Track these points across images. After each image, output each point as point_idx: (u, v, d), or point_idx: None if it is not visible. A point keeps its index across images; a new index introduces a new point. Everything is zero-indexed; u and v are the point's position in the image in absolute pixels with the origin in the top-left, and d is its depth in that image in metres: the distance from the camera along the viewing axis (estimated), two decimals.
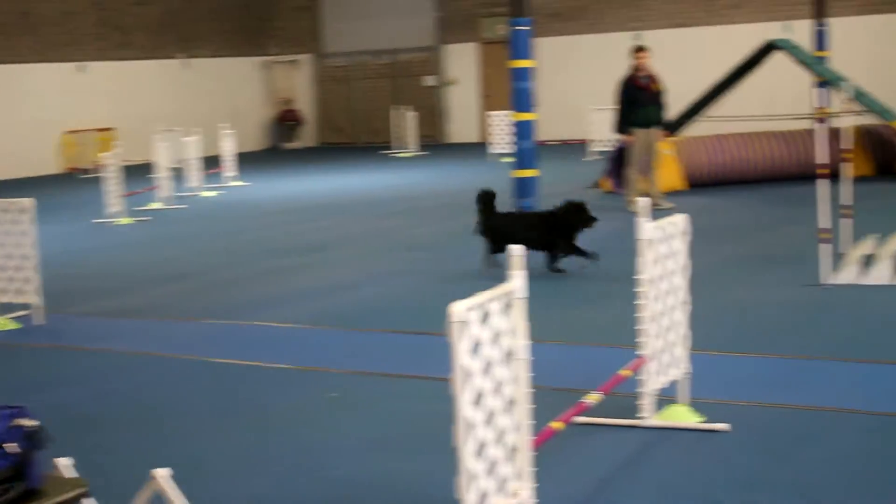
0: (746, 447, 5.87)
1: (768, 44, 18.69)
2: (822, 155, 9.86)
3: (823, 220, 9.87)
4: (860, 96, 17.78)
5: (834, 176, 11.10)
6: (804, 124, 19.64)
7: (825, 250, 9.85)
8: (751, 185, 17.46)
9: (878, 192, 15.76)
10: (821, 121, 10.49)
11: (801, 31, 24.36)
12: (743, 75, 19.25)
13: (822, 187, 9.86)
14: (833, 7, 24.66)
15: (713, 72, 20.95)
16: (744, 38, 23.48)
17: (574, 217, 10.81)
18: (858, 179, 16.48)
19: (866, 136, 18.04)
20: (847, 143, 11.07)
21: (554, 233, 10.88)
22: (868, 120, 18.26)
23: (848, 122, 11.34)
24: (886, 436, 5.97)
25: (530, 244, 10.44)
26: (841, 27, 25.74)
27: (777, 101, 25.12)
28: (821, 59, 20.39)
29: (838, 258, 10.41)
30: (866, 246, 10.76)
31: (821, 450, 5.81)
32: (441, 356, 4.12)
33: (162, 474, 4.03)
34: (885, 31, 27.28)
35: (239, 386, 7.66)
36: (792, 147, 17.74)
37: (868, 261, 10.16)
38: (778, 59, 19.49)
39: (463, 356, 4.11)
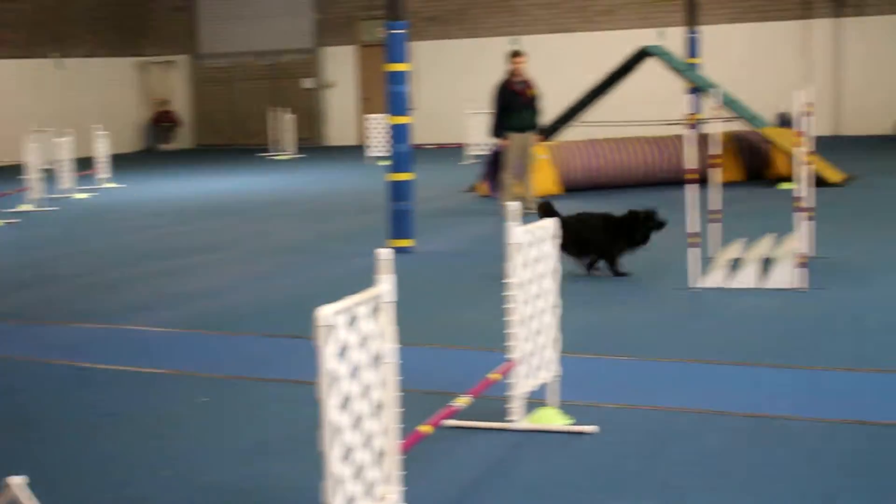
0: (614, 448, 5.96)
1: (641, 50, 18.99)
2: (691, 160, 10.05)
3: (692, 224, 10.06)
4: (730, 103, 18.15)
5: (704, 181, 11.34)
6: (677, 130, 19.98)
7: (694, 254, 10.04)
8: (625, 190, 17.70)
9: (747, 197, 16.10)
10: (691, 126, 10.69)
11: (674, 38, 24.79)
12: (617, 81, 19.53)
13: (691, 192, 10.05)
14: (705, 15, 25.14)
15: (588, 77, 21.24)
16: (618, 44, 23.81)
17: (642, 224, 10.80)
18: (729, 184, 16.86)
19: (737, 142, 18.43)
20: (716, 148, 11.29)
21: (618, 238, 10.86)
22: (739, 126, 18.66)
23: (717, 128, 11.56)
24: (750, 436, 6.10)
25: (593, 247, 10.86)
26: (712, 34, 26.26)
27: (650, 107, 25.52)
28: (692, 65, 20.77)
29: (707, 262, 10.60)
30: (734, 250, 10.99)
31: (686, 450, 5.91)
32: (313, 360, 4.12)
33: (17, 482, 3.95)
34: (756, 38, 27.89)
35: (109, 391, 7.55)
36: (664, 152, 18.03)
37: (735, 264, 10.37)
38: (651, 66, 19.81)
39: (329, 360, 4.11)
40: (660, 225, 10.85)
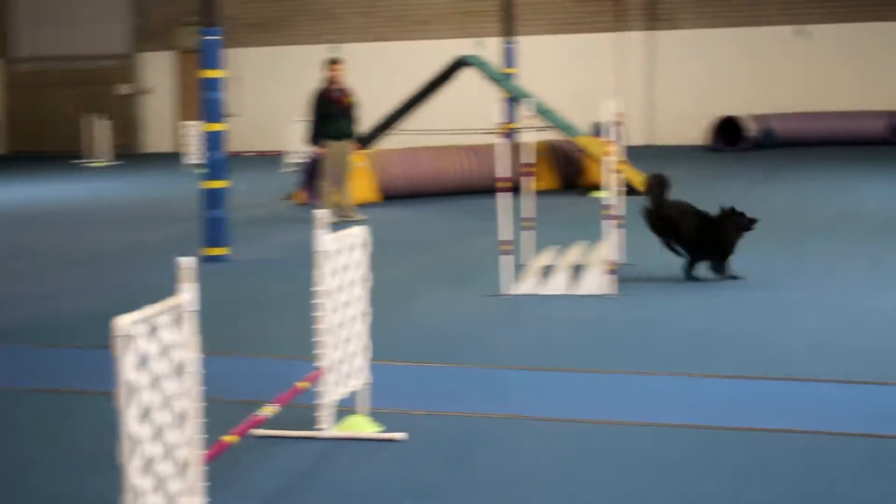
0: (423, 455, 5.99)
1: (458, 60, 19.19)
2: (503, 169, 10.20)
3: (505, 232, 10.20)
4: (545, 112, 18.47)
5: (518, 189, 11.51)
6: (495, 139, 20.24)
7: (506, 261, 10.18)
8: (443, 198, 17.85)
9: (561, 205, 16.40)
10: (507, 136, 10.84)
11: (492, 49, 25.10)
12: (434, 90, 19.68)
13: (504, 200, 10.19)
14: (522, 26, 25.53)
15: (406, 86, 21.36)
16: (436, 53, 24.02)
17: (731, 223, 10.43)
18: (543, 193, 17.16)
19: (551, 152, 18.75)
20: (529, 157, 11.47)
21: (710, 237, 10.48)
22: (554, 135, 18.99)
23: (531, 137, 11.76)
24: (556, 440, 6.21)
25: (688, 242, 10.50)
26: (529, 45, 26.68)
27: (469, 116, 25.80)
28: (509, 75, 21.06)
29: (520, 269, 10.76)
30: (546, 257, 11.17)
31: (494, 455, 5.99)
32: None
33: None
34: (572, 49, 28.45)
35: None
36: (483, 161, 18.23)
37: (547, 271, 10.55)
38: (469, 75, 20.03)
39: (128, 370, 4.04)
40: (750, 222, 10.51)
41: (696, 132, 27.42)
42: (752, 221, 10.48)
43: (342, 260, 6.22)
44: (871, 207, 15.35)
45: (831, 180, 19.30)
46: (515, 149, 16.95)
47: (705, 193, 17.53)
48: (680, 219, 10.50)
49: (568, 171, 18.75)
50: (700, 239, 10.44)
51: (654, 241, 12.73)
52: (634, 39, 28.56)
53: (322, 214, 6.02)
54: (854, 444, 5.95)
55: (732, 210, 10.47)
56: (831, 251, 12.05)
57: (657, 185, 10.68)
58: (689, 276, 10.55)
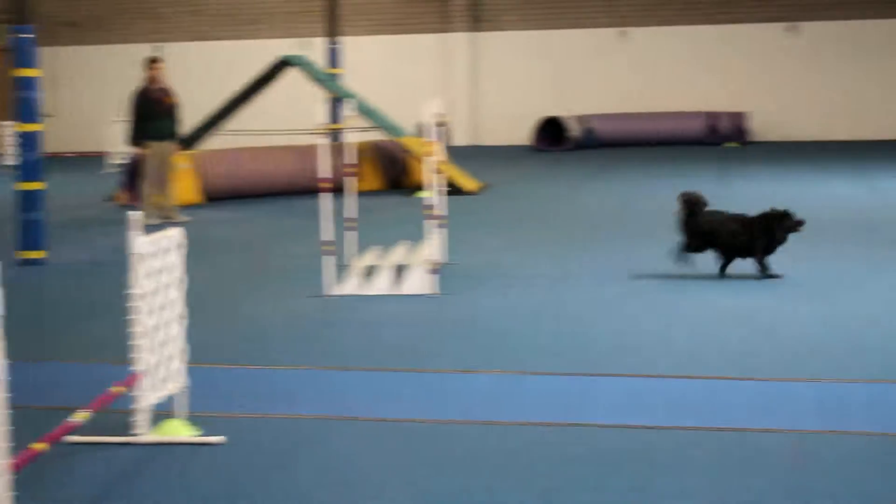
0: (242, 459, 5.93)
1: (282, 60, 19.08)
2: (324, 169, 10.18)
3: (327, 232, 10.18)
4: (369, 113, 18.49)
5: (342, 190, 11.50)
6: (317, 139, 20.18)
7: (329, 262, 10.16)
8: (269, 199, 17.72)
9: (385, 206, 16.43)
10: (332, 136, 10.82)
11: (318, 49, 25.00)
12: (258, 90, 19.53)
13: (326, 201, 10.17)
14: (347, 26, 25.50)
15: (233, 86, 21.14)
16: (263, 53, 23.83)
17: (776, 224, 10.42)
18: (368, 193, 17.18)
19: (376, 152, 18.78)
20: (352, 157, 11.47)
21: (755, 239, 10.44)
22: (378, 136, 19.03)
23: (355, 137, 11.76)
24: (376, 440, 6.21)
25: (731, 248, 10.49)
26: (355, 46, 26.68)
27: (294, 116, 25.64)
28: (333, 76, 21.02)
29: (344, 269, 10.74)
30: (369, 257, 11.18)
31: (313, 457, 5.97)
32: None
33: None
34: (397, 50, 28.55)
35: None
36: (307, 161, 18.11)
37: (370, 272, 10.56)
38: (296, 75, 19.93)
39: None
40: (797, 224, 10.50)
41: (519, 133, 27.77)
42: (799, 223, 10.52)
43: (157, 262, 6.13)
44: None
45: (649, 179, 19.76)
46: (339, 149, 16.94)
47: (533, 193, 17.79)
48: (719, 228, 10.54)
49: (393, 172, 18.81)
50: (741, 241, 10.50)
51: (477, 240, 12.88)
52: (459, 40, 28.79)
53: (137, 216, 5.92)
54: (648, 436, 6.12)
55: (784, 212, 10.51)
56: (649, 249, 12.33)
57: (692, 203, 10.69)
58: (770, 276, 10.45)
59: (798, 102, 27.50)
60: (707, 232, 10.54)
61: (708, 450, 5.92)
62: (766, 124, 27.44)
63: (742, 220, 10.55)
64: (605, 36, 28.40)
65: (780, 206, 10.62)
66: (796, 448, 5.89)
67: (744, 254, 10.55)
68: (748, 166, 21.62)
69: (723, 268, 10.62)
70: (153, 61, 15.52)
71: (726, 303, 9.50)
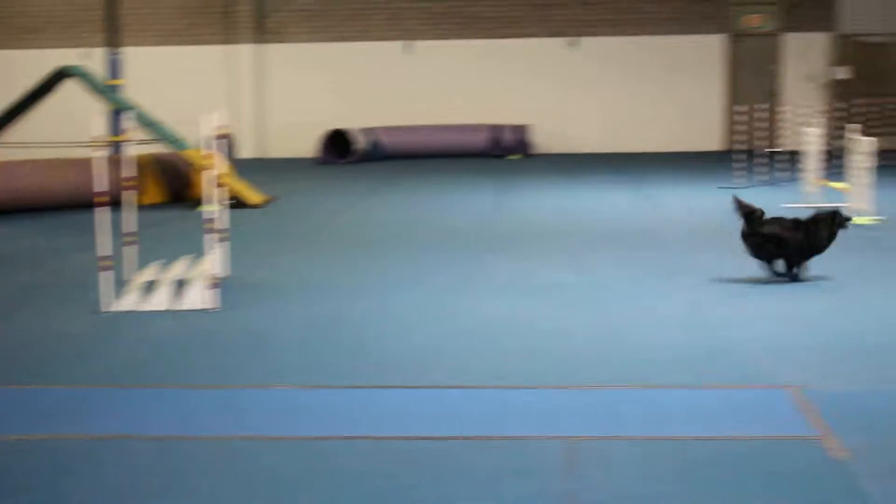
0: (16, 482, 5.75)
1: (60, 70, 18.61)
2: (101, 183, 9.97)
3: (104, 247, 9.97)
4: (151, 125, 18.19)
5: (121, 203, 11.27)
6: (97, 152, 19.73)
7: (106, 277, 9.94)
8: (48, 213, 17.23)
9: (167, 219, 16.18)
10: (112, 148, 10.60)
11: (101, 59, 24.46)
12: (35, 101, 19.00)
13: (103, 215, 9.96)
14: (130, 36, 25.05)
15: (10, 97, 20.51)
16: (42, 63, 23.18)
17: (830, 224, 10.70)
18: (151, 207, 16.89)
19: (158, 165, 18.47)
20: (131, 170, 11.26)
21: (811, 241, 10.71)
22: (161, 148, 18.72)
23: (135, 150, 11.54)
24: (160, 458, 6.11)
25: (794, 250, 10.65)
26: (138, 57, 26.22)
27: (74, 128, 25.01)
28: (113, 87, 20.59)
29: (123, 285, 10.53)
30: (149, 272, 10.99)
31: (95, 477, 5.83)
32: None
33: None
34: (182, 61, 28.16)
35: None
36: (88, 175, 17.71)
37: (150, 287, 10.38)
38: (73, 87, 19.46)
39: None
40: (846, 220, 10.80)
41: (306, 145, 27.72)
42: (847, 219, 10.91)
43: None
44: (466, 218, 15.99)
45: (432, 191, 19.97)
46: (119, 162, 16.60)
47: (318, 206, 17.77)
48: (784, 234, 10.66)
49: (176, 185, 18.53)
50: (804, 244, 10.72)
51: (261, 254, 12.81)
52: (244, 52, 28.58)
53: None
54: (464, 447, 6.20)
55: (835, 212, 10.85)
56: (430, 260, 12.46)
57: (750, 213, 10.80)
58: (794, 278, 10.74)
59: (578, 116, 28.22)
60: (771, 237, 10.69)
61: (484, 459, 6.02)
62: (547, 137, 28.07)
63: (803, 223, 10.75)
64: (390, 49, 28.60)
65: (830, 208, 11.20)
66: (569, 452, 6.04)
67: (808, 256, 10.81)
68: (529, 178, 22.06)
69: (790, 273, 10.82)
70: None
71: (504, 311, 9.67)
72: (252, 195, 17.76)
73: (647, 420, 6.70)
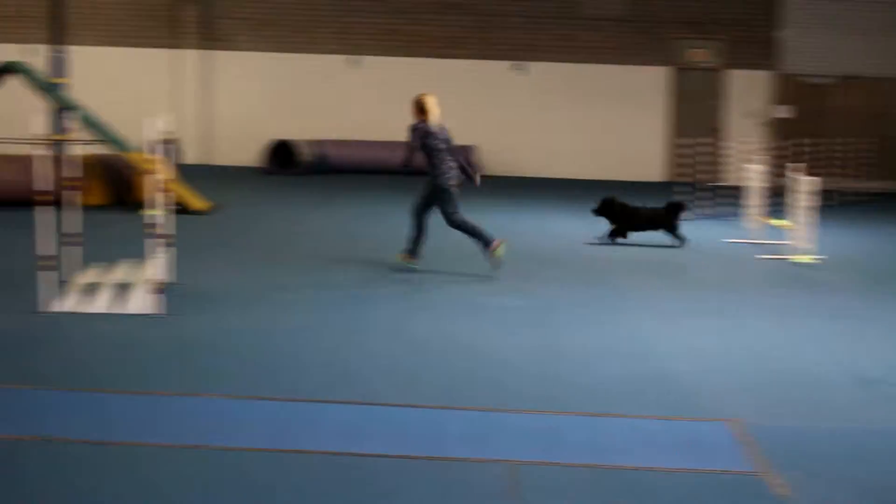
0: None
1: (3, 66, 18.39)
2: (43, 182, 9.85)
3: (44, 247, 9.84)
4: (95, 125, 18.00)
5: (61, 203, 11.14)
6: (38, 150, 19.48)
7: (46, 277, 9.81)
8: None
9: (109, 222, 16.01)
10: (59, 148, 10.47)
11: (43, 57, 24.20)
12: None
13: (44, 214, 9.84)
14: (74, 35, 24.80)
15: None
16: None
17: (676, 210, 15.38)
18: (93, 208, 16.70)
19: (101, 166, 18.28)
20: (75, 170, 11.14)
21: (664, 220, 15.38)
22: (105, 150, 18.53)
23: (79, 150, 11.41)
24: (88, 462, 6.04)
25: (647, 227, 15.36)
26: (83, 56, 25.98)
27: (12, 125, 24.70)
28: (57, 85, 20.34)
29: (64, 286, 10.40)
30: (91, 274, 10.87)
31: (15, 478, 5.76)
32: None
33: None
34: (127, 63, 27.95)
35: None
36: (26, 172, 17.47)
37: (91, 289, 10.26)
38: (15, 83, 19.23)
39: None
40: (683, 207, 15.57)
41: (251, 154, 27.57)
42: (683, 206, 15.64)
43: None
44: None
45: (375, 205, 19.95)
46: (60, 161, 16.39)
47: (262, 215, 17.67)
48: (636, 212, 15.54)
49: (119, 187, 18.34)
50: (652, 222, 15.48)
51: (205, 261, 12.73)
52: (191, 57, 28.38)
53: None
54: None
55: (679, 202, 15.64)
56: (369, 276, 12.42)
57: (610, 203, 15.60)
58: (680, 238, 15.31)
59: (522, 139, 28.30)
60: (630, 213, 15.48)
61: (426, 478, 6.00)
62: (492, 158, 28.14)
63: (653, 210, 15.63)
64: (337, 62, 28.55)
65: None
66: (512, 477, 6.04)
67: (649, 228, 15.39)
68: (471, 199, 22.06)
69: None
70: None
71: (452, 329, 9.66)
72: (196, 201, 17.63)
73: (590, 447, 6.72)
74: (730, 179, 20.95)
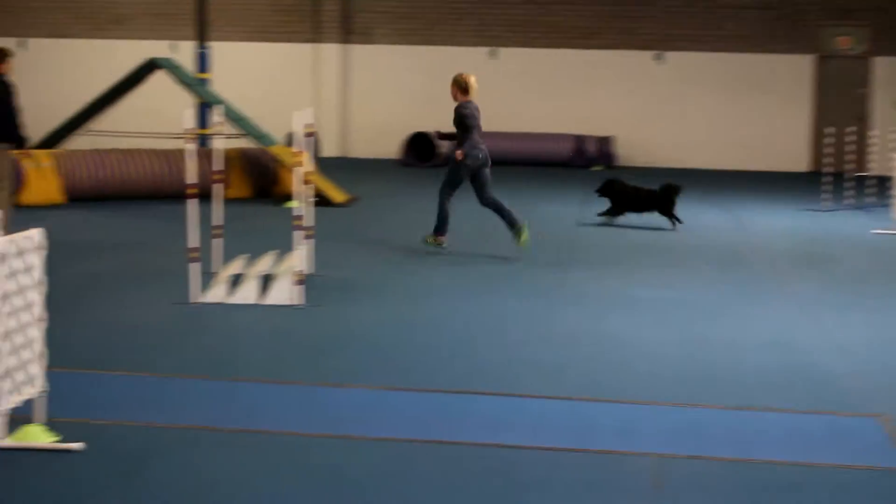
0: (99, 466, 5.82)
1: (150, 61, 18.81)
2: (192, 175, 10.04)
3: (193, 239, 10.04)
4: (238, 120, 18.31)
5: (209, 196, 11.36)
6: (184, 144, 19.89)
7: (195, 269, 10.01)
8: (132, 202, 17.40)
9: (253, 214, 16.28)
10: (202, 143, 10.66)
11: (187, 52, 24.69)
12: (125, 91, 19.21)
13: (192, 207, 10.03)
14: (217, 31, 25.24)
15: (97, 86, 20.74)
16: (129, 54, 23.44)
17: (671, 192, 15.65)
18: (236, 201, 17.00)
19: (245, 160, 18.58)
20: (219, 164, 11.34)
21: (659, 202, 15.70)
22: (248, 143, 18.85)
23: (223, 144, 11.62)
24: (242, 449, 6.14)
25: (643, 208, 15.75)
26: (226, 51, 26.43)
27: (160, 120, 25.27)
28: (202, 80, 20.76)
29: (210, 277, 10.60)
30: (236, 266, 11.05)
31: (173, 466, 5.88)
32: None
33: None
34: (268, 58, 28.34)
35: None
36: (173, 165, 17.87)
37: (236, 280, 10.44)
38: (161, 78, 19.63)
39: None
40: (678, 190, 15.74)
41: (388, 146, 27.78)
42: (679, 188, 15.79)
43: (17, 263, 5.96)
44: (550, 229, 15.92)
45: (515, 197, 19.91)
46: (207, 155, 16.71)
47: (400, 207, 17.78)
48: (635, 193, 15.92)
49: (261, 181, 18.63)
50: (648, 204, 15.82)
51: (344, 252, 12.86)
52: (331, 51, 28.69)
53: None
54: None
55: (674, 185, 15.76)
56: (511, 269, 12.41)
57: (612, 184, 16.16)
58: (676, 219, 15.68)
59: (662, 129, 28.01)
60: (628, 193, 15.91)
61: (570, 471, 5.97)
62: (630, 149, 27.92)
63: (650, 190, 15.83)
64: (475, 55, 28.58)
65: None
66: (656, 471, 5.98)
67: (646, 208, 15.75)
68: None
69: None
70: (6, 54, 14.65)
71: (595, 320, 9.61)
72: (336, 194, 17.82)
73: (736, 441, 6.62)
74: (876, 169, 20.42)
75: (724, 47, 27.71)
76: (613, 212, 15.92)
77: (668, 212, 15.65)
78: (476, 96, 13.25)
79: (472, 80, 13.70)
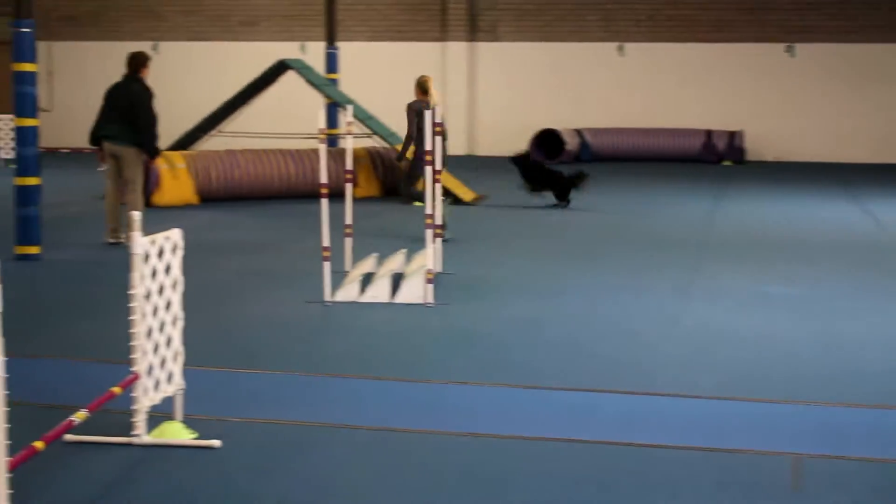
0: (237, 462, 5.90)
1: (280, 63, 19.07)
2: (324, 175, 10.15)
3: (325, 238, 10.15)
4: (367, 119, 18.47)
5: (340, 195, 11.47)
6: (315, 144, 20.12)
7: (327, 268, 10.12)
8: (263, 202, 17.67)
9: (382, 213, 16.40)
10: (333, 143, 10.76)
11: (316, 53, 24.97)
12: (256, 93, 19.50)
13: (325, 206, 10.14)
14: (345, 31, 25.50)
15: (228, 87, 21.09)
16: (259, 55, 23.79)
17: (577, 179, 17.21)
18: (365, 200, 17.16)
19: (373, 159, 18.74)
20: (350, 164, 11.44)
21: (565, 184, 17.22)
22: (376, 143, 19.01)
23: (353, 143, 11.72)
24: (373, 449, 6.19)
25: (547, 187, 17.29)
26: (353, 51, 26.67)
27: (290, 120, 25.60)
28: (331, 81, 20.99)
29: (341, 276, 10.70)
30: (367, 265, 11.14)
31: (307, 464, 5.94)
32: None
33: None
34: (395, 57, 28.53)
35: None
36: (303, 165, 18.11)
37: (367, 279, 10.52)
38: (291, 79, 19.89)
39: None
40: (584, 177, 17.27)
41: (515, 144, 27.77)
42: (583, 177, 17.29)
43: (157, 263, 6.09)
44: (682, 224, 15.76)
45: (646, 194, 19.75)
46: (337, 155, 16.89)
47: (529, 205, 17.77)
48: (539, 172, 17.55)
49: (389, 179, 18.77)
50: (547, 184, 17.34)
51: (473, 251, 12.89)
52: (457, 50, 28.79)
53: (138, 216, 5.89)
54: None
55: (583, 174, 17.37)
56: (645, 265, 12.32)
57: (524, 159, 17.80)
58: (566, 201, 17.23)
59: (793, 123, 27.55)
60: (538, 175, 17.47)
61: (705, 470, 5.90)
62: (761, 144, 27.50)
63: (559, 172, 17.50)
64: (602, 50, 28.43)
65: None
66: (795, 470, 5.88)
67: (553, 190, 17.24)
68: (744, 185, 21.65)
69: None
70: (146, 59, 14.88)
71: (726, 318, 9.49)
72: (464, 192, 17.86)
73: (875, 440, 6.47)
74: None
75: (857, 38, 27.15)
76: (526, 181, 17.56)
77: (561, 196, 17.31)
78: (434, 98, 14.30)
79: (431, 82, 16.01)
